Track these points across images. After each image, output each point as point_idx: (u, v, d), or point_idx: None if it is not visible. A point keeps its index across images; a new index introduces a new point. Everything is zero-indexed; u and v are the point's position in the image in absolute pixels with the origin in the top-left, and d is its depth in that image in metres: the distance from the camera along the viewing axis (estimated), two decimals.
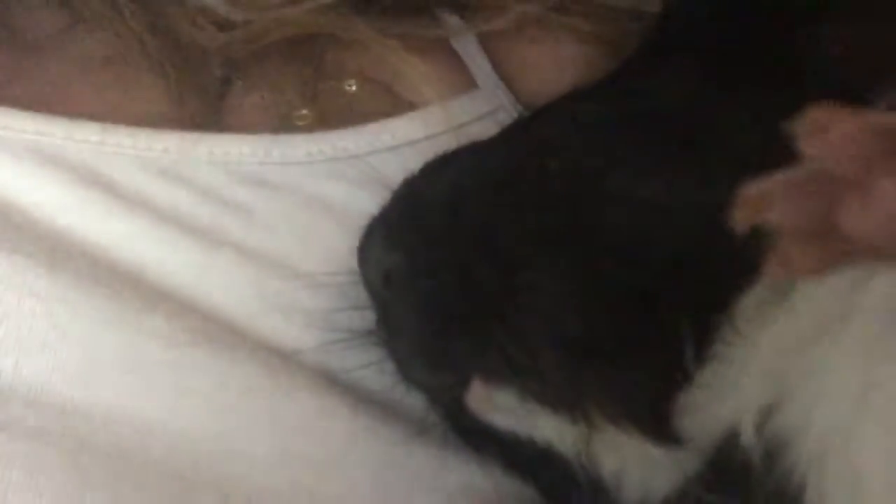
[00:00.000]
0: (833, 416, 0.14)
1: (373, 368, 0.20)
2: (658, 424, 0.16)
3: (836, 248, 0.09)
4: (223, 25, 0.24)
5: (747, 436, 0.14)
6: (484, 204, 0.18)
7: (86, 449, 0.17)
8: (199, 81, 0.25)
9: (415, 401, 0.20)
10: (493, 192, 0.18)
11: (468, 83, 0.26)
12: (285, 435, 0.18)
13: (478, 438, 0.19)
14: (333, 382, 0.20)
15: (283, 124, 0.25)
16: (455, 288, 0.18)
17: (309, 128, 0.25)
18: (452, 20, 0.27)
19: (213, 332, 0.20)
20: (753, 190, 0.09)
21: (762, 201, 0.09)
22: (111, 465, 0.17)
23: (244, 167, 0.23)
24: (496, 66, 0.27)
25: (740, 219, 0.09)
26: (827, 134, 0.08)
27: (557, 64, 0.26)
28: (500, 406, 0.18)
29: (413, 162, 0.22)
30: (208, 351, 0.19)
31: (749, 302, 0.14)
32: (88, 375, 0.18)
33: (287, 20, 0.25)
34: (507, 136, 0.21)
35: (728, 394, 0.15)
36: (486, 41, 0.27)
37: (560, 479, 0.19)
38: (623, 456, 0.17)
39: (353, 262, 0.21)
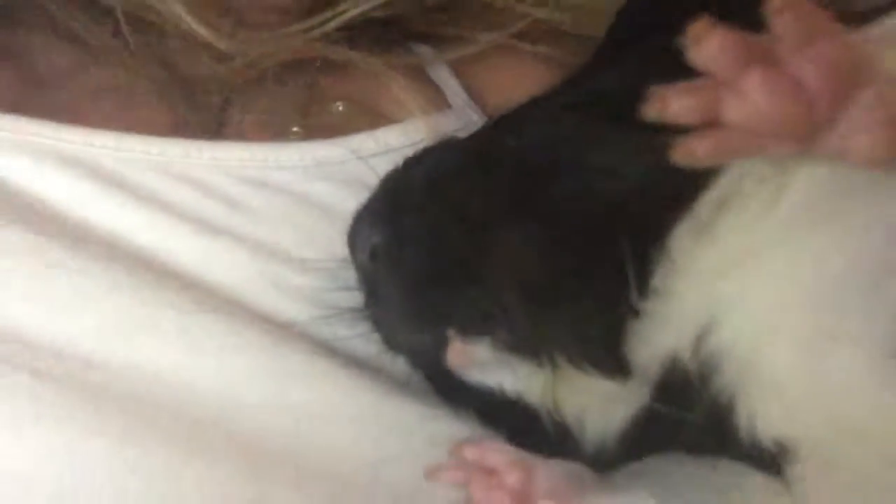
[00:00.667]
0: (753, 333, 0.16)
1: (361, 339, 0.22)
2: (611, 359, 0.18)
3: (727, 138, 0.11)
4: (221, 57, 0.27)
5: (686, 358, 0.17)
6: (455, 181, 0.21)
7: (104, 393, 0.19)
8: (201, 106, 0.28)
9: (399, 364, 0.22)
10: (463, 170, 0.21)
11: (442, 103, 0.30)
12: (283, 386, 0.21)
13: (455, 394, 0.22)
14: (326, 347, 0.22)
15: (278, 138, 0.28)
16: (432, 255, 0.21)
17: (300, 139, 0.27)
18: (425, 50, 0.31)
19: (217, 303, 0.22)
20: (660, 91, 0.12)
21: (666, 99, 0.11)
22: (126, 406, 0.19)
23: (244, 170, 0.25)
24: (466, 87, 0.30)
25: (651, 111, 0.11)
26: (705, 43, 0.11)
27: (520, 84, 0.29)
28: (475, 361, 0.21)
29: (393, 165, 0.24)
30: (213, 318, 0.21)
31: (680, 238, 0.17)
32: (107, 335, 0.20)
33: (281, 50, 0.28)
34: (476, 132, 0.24)
35: (669, 323, 0.17)
36: (456, 66, 0.31)
37: (529, 427, 0.21)
38: (583, 398, 0.20)
39: (341, 250, 0.23)
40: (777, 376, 0.15)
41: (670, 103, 0.11)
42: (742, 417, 0.16)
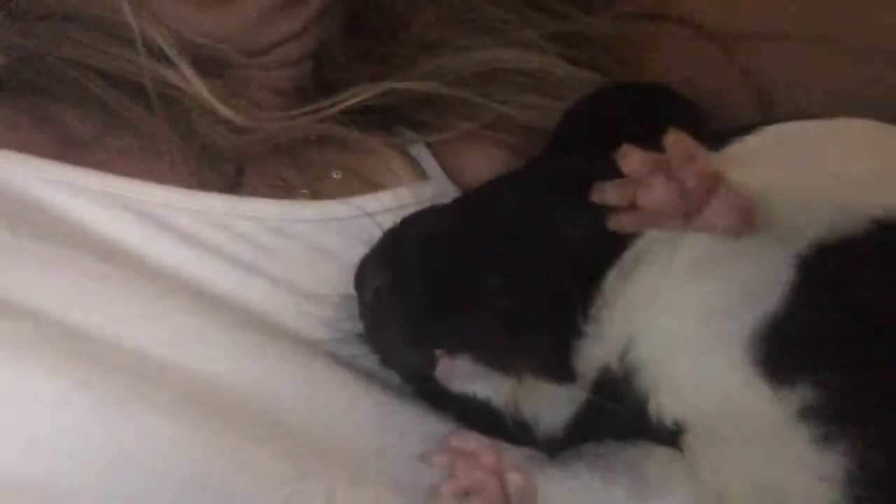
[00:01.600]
0: (659, 348, 0.23)
1: (366, 357, 0.29)
2: (561, 369, 0.25)
3: (641, 216, 0.18)
4: (237, 130, 0.33)
5: (613, 361, 0.24)
6: (444, 238, 0.28)
7: (120, 367, 0.24)
8: (219, 170, 0.33)
9: (394, 377, 0.29)
10: (450, 229, 0.28)
11: (422, 175, 0.37)
12: (313, 391, 0.26)
13: (440, 400, 0.28)
14: (341, 361, 0.28)
15: (288, 198, 0.34)
16: (426, 293, 0.27)
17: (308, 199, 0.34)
18: (408, 133, 0.38)
19: (255, 322, 0.28)
20: (601, 185, 0.19)
21: (605, 190, 0.18)
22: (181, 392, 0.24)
23: (266, 222, 0.32)
24: (442, 164, 0.37)
25: (595, 196, 0.18)
26: (627, 159, 0.18)
27: (487, 164, 0.37)
28: (458, 374, 0.27)
29: (387, 223, 0.31)
30: (255, 334, 0.27)
31: (611, 281, 0.24)
32: (129, 326, 0.25)
33: (290, 128, 0.35)
34: (456, 200, 0.31)
35: (602, 341, 0.24)
36: (432, 147, 0.38)
37: (496, 423, 0.27)
38: (538, 399, 0.26)
39: (347, 287, 0.30)
40: (675, 376, 0.22)
41: (607, 192, 0.18)
42: (653, 407, 0.23)
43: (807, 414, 0.18)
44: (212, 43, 0.33)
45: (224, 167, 0.33)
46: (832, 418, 0.17)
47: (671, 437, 0.23)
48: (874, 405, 0.17)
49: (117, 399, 0.24)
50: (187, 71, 0.31)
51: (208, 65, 0.32)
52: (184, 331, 0.26)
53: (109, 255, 0.28)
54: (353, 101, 0.34)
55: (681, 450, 0.23)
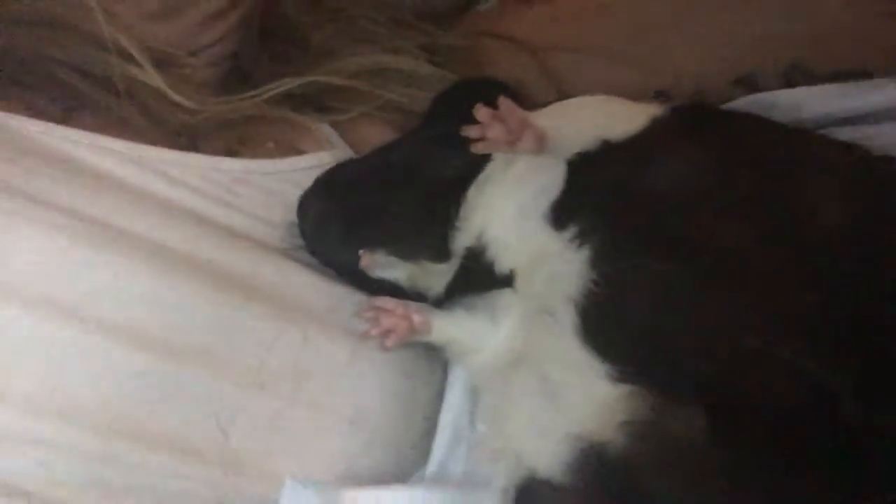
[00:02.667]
0: (500, 228, 0.39)
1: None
2: (443, 251, 0.41)
3: (490, 143, 0.34)
4: (187, 111, 0.45)
5: (475, 242, 0.40)
6: (360, 176, 0.43)
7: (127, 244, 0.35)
8: (176, 143, 0.44)
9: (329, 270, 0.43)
10: (364, 171, 0.43)
11: (330, 146, 0.51)
12: (286, 275, 0.40)
13: (364, 283, 0.42)
14: (295, 259, 0.42)
15: None
16: (350, 213, 0.42)
17: None
18: (318, 115, 0.52)
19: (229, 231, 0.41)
20: (467, 128, 0.35)
21: (471, 131, 0.34)
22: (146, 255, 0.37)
23: (233, 173, 0.44)
24: (344, 138, 0.52)
25: (468, 132, 0.34)
26: (480, 112, 0.34)
27: (376, 136, 0.51)
28: (377, 265, 0.42)
29: (313, 175, 0.45)
30: (244, 243, 0.40)
31: (470, 193, 0.40)
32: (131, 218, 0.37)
33: (231, 109, 0.48)
34: (365, 155, 0.46)
35: (468, 230, 0.40)
36: (337, 125, 0.52)
37: (401, 294, 0.42)
38: (428, 275, 0.42)
39: (292, 216, 0.44)
40: (508, 242, 0.38)
41: (472, 131, 0.34)
42: (497, 264, 0.39)
43: (573, 242, 0.34)
44: (163, 46, 0.46)
45: (179, 140, 0.45)
46: (586, 239, 0.33)
47: (508, 280, 0.39)
48: (607, 228, 0.33)
49: (128, 271, 0.35)
50: (147, 66, 0.43)
51: (160, 63, 0.43)
52: (182, 232, 0.38)
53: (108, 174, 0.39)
54: (280, 89, 0.48)
55: (514, 289, 0.39)
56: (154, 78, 0.42)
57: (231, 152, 0.45)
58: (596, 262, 0.31)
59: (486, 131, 0.33)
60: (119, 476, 0.31)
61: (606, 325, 0.28)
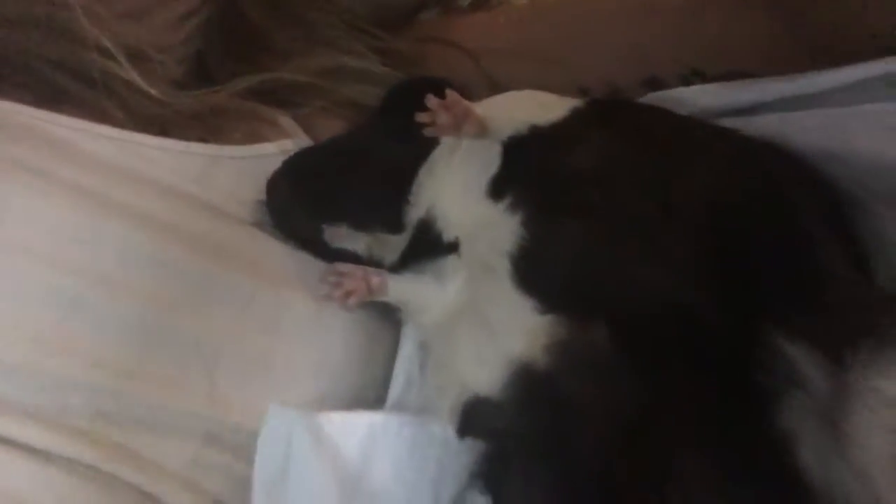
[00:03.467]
0: (447, 204, 0.47)
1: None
2: (397, 226, 0.48)
3: (439, 129, 0.42)
4: (160, 103, 0.51)
5: (425, 215, 0.47)
6: (322, 159, 0.49)
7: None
8: (149, 132, 0.51)
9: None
10: (326, 155, 0.50)
11: (291, 137, 0.57)
12: (254, 240, 0.46)
13: (326, 253, 0.49)
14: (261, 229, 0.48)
15: None
16: (315, 192, 0.49)
17: None
18: (279, 110, 0.58)
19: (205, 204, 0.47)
20: (420, 115, 0.42)
21: (422, 118, 0.41)
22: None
23: (206, 157, 0.50)
24: (304, 129, 0.58)
25: (422, 118, 0.41)
26: (431, 101, 0.41)
27: (333, 128, 0.58)
28: (339, 236, 0.48)
29: (278, 161, 0.51)
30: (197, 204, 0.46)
31: (422, 172, 0.47)
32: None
33: (200, 102, 0.54)
34: (324, 142, 0.53)
35: (419, 205, 0.47)
36: (298, 118, 0.58)
37: (360, 263, 0.49)
38: (384, 245, 0.49)
39: (261, 196, 0.50)
40: (453, 214, 0.45)
41: (423, 117, 0.41)
42: (444, 234, 0.46)
43: (508, 209, 0.42)
44: (136, 43, 0.51)
45: (152, 130, 0.49)
46: (518, 206, 0.41)
47: (454, 247, 0.46)
48: (535, 198, 0.41)
49: (124, 234, 0.40)
50: (123, 62, 0.49)
51: (133, 59, 0.48)
52: (166, 203, 0.44)
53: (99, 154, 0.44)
54: (246, 84, 0.54)
55: (459, 255, 0.46)
56: (129, 72, 0.47)
57: (201, 141, 0.50)
58: (526, 224, 0.38)
59: (435, 118, 0.41)
60: (120, 409, 0.37)
61: (534, 271, 0.36)
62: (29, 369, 0.36)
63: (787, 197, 0.35)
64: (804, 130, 0.38)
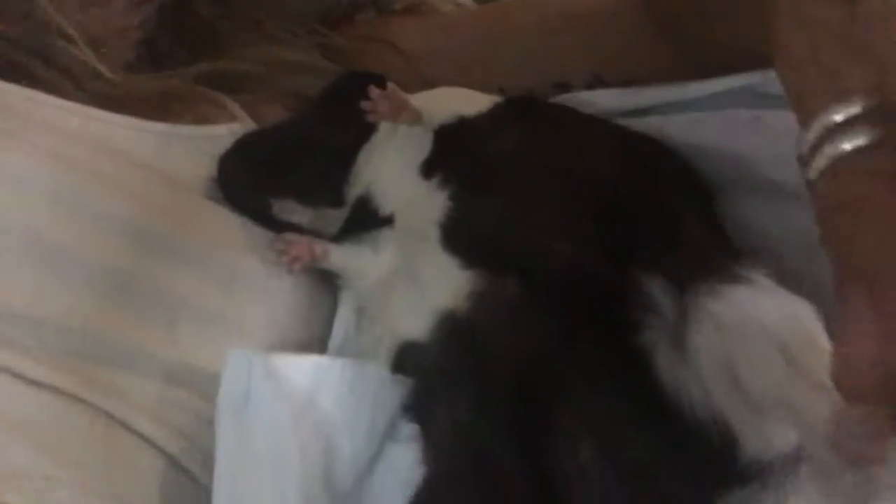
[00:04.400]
0: (384, 181, 0.54)
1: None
2: (337, 199, 0.55)
3: (379, 114, 0.49)
4: (115, 85, 0.57)
5: (364, 192, 0.54)
6: (270, 140, 0.56)
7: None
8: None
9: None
10: (273, 137, 0.56)
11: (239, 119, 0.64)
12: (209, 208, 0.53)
13: (274, 225, 0.56)
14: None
15: None
16: (265, 170, 0.55)
17: None
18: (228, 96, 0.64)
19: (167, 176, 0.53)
20: (365, 104, 0.49)
21: (366, 105, 0.49)
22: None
23: (161, 135, 0.56)
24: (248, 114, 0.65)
25: (363, 107, 0.49)
26: (373, 93, 0.49)
27: (277, 115, 0.65)
28: (285, 210, 0.55)
29: (227, 142, 0.58)
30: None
31: (362, 154, 0.54)
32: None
33: (155, 85, 0.60)
34: (272, 125, 0.59)
35: (358, 183, 0.55)
36: (244, 105, 0.65)
37: (305, 233, 0.56)
38: (326, 219, 0.56)
39: (213, 173, 0.56)
40: (390, 191, 0.53)
41: (367, 105, 0.49)
42: (380, 209, 0.54)
43: (438, 186, 0.50)
44: (92, 28, 0.57)
45: (107, 108, 0.56)
46: (447, 184, 0.49)
47: (389, 221, 0.54)
48: (461, 176, 0.49)
49: (95, 196, 0.47)
50: (81, 45, 0.55)
51: (90, 42, 0.53)
52: (131, 173, 0.50)
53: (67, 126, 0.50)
54: (197, 70, 0.60)
55: (393, 227, 0.54)
56: (85, 53, 0.53)
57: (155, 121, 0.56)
58: (453, 197, 0.46)
59: (376, 106, 0.48)
60: (90, 349, 0.42)
61: (459, 235, 0.44)
62: (8, 311, 0.41)
63: (661, 180, 0.45)
64: (679, 129, 0.48)
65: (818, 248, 0.40)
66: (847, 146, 0.23)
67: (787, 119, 0.41)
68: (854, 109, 0.23)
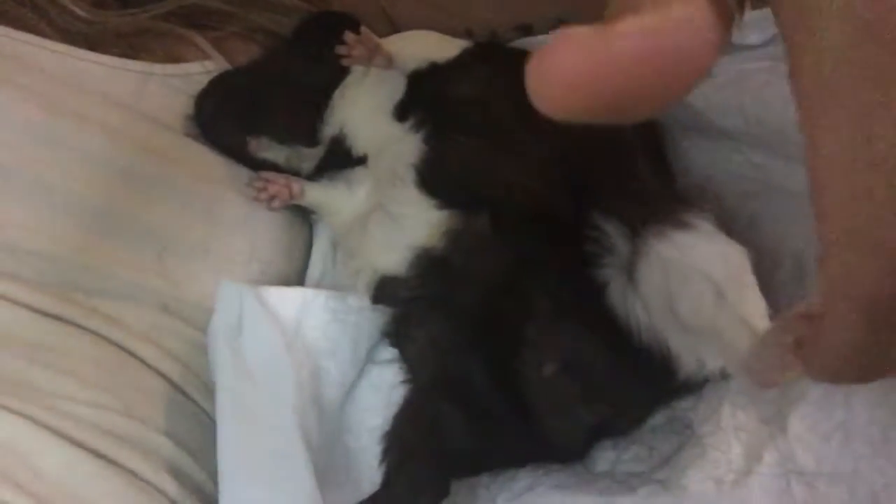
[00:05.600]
0: (358, 120, 0.58)
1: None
2: (312, 139, 0.59)
3: (353, 59, 0.53)
4: (88, 22, 0.59)
5: (337, 132, 0.58)
6: (246, 78, 0.59)
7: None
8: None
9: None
10: (248, 74, 0.59)
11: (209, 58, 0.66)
12: (185, 142, 0.56)
13: (251, 163, 0.59)
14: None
15: None
16: (242, 108, 0.58)
17: None
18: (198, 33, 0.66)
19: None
20: (340, 47, 0.52)
21: (341, 49, 0.52)
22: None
23: (139, 74, 0.58)
24: (218, 51, 0.67)
25: (338, 51, 0.52)
26: (347, 36, 0.52)
27: (247, 52, 0.67)
28: (261, 148, 0.59)
29: (202, 79, 0.61)
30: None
31: (336, 95, 0.58)
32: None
33: (125, 22, 0.62)
34: (245, 64, 0.62)
35: (333, 123, 0.58)
36: (214, 42, 0.67)
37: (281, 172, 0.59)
38: (301, 157, 0.60)
39: (190, 110, 0.59)
40: (363, 131, 0.57)
41: (342, 48, 0.52)
42: (354, 148, 0.58)
43: (412, 128, 0.54)
44: None
45: (80, 45, 0.59)
46: (421, 126, 0.53)
47: (362, 161, 0.58)
48: (433, 119, 0.53)
49: (81, 133, 0.50)
50: None
51: None
52: (116, 112, 0.53)
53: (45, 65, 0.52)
54: (168, 7, 0.62)
55: (366, 166, 0.58)
56: None
57: (126, 58, 0.58)
58: (426, 140, 0.50)
59: (351, 51, 0.52)
60: (85, 279, 0.46)
61: (434, 176, 0.48)
62: (8, 245, 0.44)
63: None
64: None
65: (753, 192, 0.46)
66: None
67: (730, 70, 0.46)
68: None
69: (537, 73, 0.19)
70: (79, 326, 0.43)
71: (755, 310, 0.35)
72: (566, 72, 0.18)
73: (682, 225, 0.37)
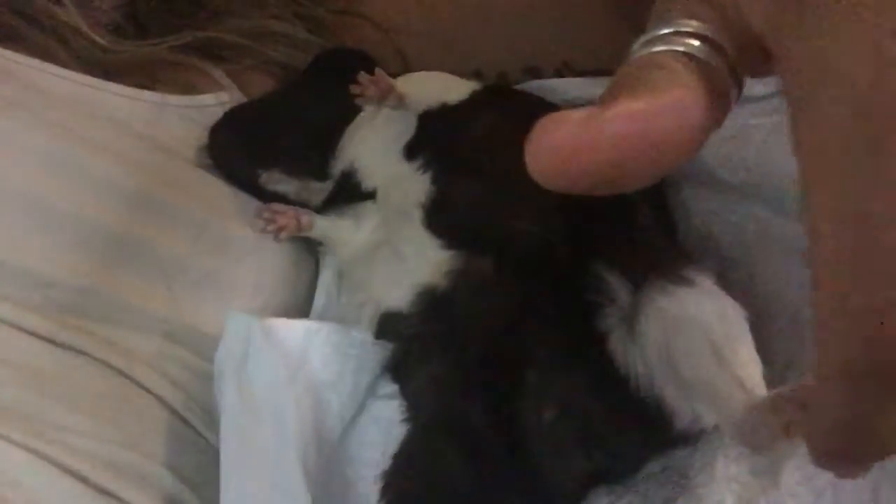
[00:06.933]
0: (366, 158, 0.59)
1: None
2: (323, 174, 0.60)
3: (366, 99, 0.54)
4: (104, 49, 0.60)
5: (348, 167, 0.59)
6: (259, 113, 0.60)
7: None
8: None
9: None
10: (262, 110, 0.60)
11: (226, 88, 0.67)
12: (200, 174, 0.57)
13: (263, 195, 0.60)
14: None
15: None
16: (254, 141, 0.59)
17: None
18: (214, 65, 0.67)
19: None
20: (354, 87, 0.53)
21: (355, 87, 0.53)
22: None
23: (152, 105, 0.59)
24: (236, 84, 0.68)
25: (353, 90, 0.53)
26: (360, 77, 0.53)
27: (262, 86, 0.68)
28: (273, 181, 0.60)
29: (218, 111, 0.62)
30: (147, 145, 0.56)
31: (347, 132, 0.59)
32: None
33: (143, 52, 0.62)
34: (260, 98, 0.63)
35: (343, 158, 0.59)
36: (230, 74, 0.68)
37: (291, 204, 0.60)
38: (311, 191, 0.60)
39: (204, 141, 0.60)
40: (372, 168, 0.57)
41: (356, 87, 0.53)
42: (363, 183, 0.58)
43: (420, 168, 0.54)
44: None
45: (96, 74, 0.59)
46: (429, 167, 0.54)
47: (371, 195, 0.59)
48: (441, 160, 0.54)
49: (91, 161, 0.50)
50: (72, 11, 0.58)
51: (77, 4, 0.56)
52: (129, 140, 0.54)
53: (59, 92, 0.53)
54: (184, 39, 0.63)
55: (375, 202, 0.59)
56: (74, 16, 0.55)
57: (142, 88, 0.59)
58: (434, 180, 0.51)
59: (364, 90, 0.53)
60: (92, 305, 0.46)
61: (440, 217, 0.49)
62: (18, 271, 0.45)
63: None
64: None
65: (752, 243, 0.47)
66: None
67: (735, 122, 0.47)
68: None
69: (534, 149, 0.22)
70: (83, 353, 0.44)
71: (751, 371, 0.36)
72: (558, 150, 0.21)
73: (684, 281, 0.38)
